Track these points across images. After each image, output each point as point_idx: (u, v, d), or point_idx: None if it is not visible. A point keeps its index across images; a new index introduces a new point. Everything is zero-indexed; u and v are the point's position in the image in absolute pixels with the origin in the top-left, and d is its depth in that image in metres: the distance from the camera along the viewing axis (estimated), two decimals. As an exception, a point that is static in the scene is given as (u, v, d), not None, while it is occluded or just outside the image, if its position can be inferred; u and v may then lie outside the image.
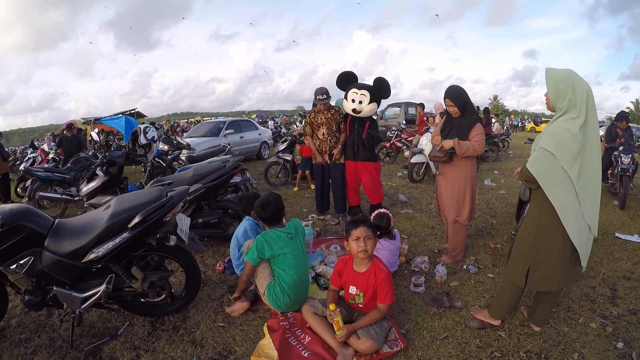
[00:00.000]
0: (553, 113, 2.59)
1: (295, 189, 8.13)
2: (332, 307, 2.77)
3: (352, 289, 2.94)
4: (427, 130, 10.08)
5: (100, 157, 6.74)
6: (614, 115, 8.51)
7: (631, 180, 6.93)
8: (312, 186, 7.93)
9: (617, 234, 5.12)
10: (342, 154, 5.62)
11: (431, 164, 3.89)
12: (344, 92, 5.48)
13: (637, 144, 8.34)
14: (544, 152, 2.45)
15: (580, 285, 3.70)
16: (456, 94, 3.88)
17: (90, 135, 10.78)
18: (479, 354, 2.76)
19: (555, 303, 3.02)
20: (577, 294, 3.56)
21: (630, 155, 6.94)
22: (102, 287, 2.78)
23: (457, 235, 4.17)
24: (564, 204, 2.48)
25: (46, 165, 8.98)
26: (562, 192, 2.46)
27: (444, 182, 4.09)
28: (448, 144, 3.84)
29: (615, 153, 7.20)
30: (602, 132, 12.79)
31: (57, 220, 2.88)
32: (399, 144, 11.85)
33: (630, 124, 8.21)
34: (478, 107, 11.13)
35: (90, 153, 9.76)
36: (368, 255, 2.86)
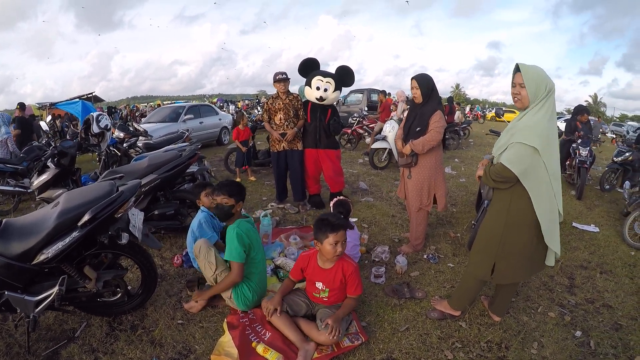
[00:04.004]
0: (515, 105, 2.60)
1: (252, 178, 8.06)
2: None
3: (319, 284, 2.92)
4: (390, 118, 10.10)
5: (51, 147, 6.44)
6: (572, 108, 8.76)
7: (588, 172, 7.18)
8: (252, 178, 8.06)
9: (574, 224, 5.28)
10: (299, 139, 5.60)
11: (405, 170, 3.98)
12: (306, 79, 5.44)
13: (596, 138, 8.64)
14: (524, 147, 2.40)
15: (539, 274, 3.79)
16: (423, 78, 3.90)
17: (40, 126, 10.35)
18: (440, 345, 2.79)
19: (514, 293, 3.08)
20: (536, 283, 3.65)
21: (588, 148, 7.20)
22: (55, 289, 2.64)
23: (419, 224, 4.21)
24: (542, 198, 2.49)
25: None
26: (540, 186, 2.47)
27: (412, 173, 4.10)
28: (407, 149, 3.92)
29: (574, 145, 7.46)
30: (561, 124, 13.15)
31: (4, 221, 2.71)
32: (361, 131, 11.86)
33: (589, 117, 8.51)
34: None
35: (44, 141, 9.33)
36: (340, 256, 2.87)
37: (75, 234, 2.59)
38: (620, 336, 2.92)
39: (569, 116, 9.80)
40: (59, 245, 2.56)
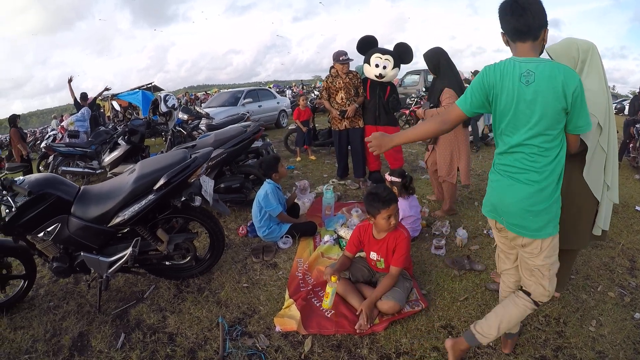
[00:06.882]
0: None
1: (312, 157, 8.14)
2: (333, 278, 2.75)
3: (373, 255, 2.97)
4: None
5: (120, 128, 6.78)
6: (638, 90, 8.28)
7: None
8: (312, 157, 8.12)
9: (637, 208, 5.03)
10: (360, 117, 5.61)
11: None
12: (364, 57, 5.43)
13: None
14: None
15: (600, 255, 3.67)
16: (427, 55, 4.17)
17: (112, 105, 10.81)
18: (499, 316, 2.78)
19: (571, 268, 3.00)
20: (596, 263, 3.53)
21: None
22: (129, 251, 2.84)
23: (447, 191, 4.49)
24: (592, 163, 2.39)
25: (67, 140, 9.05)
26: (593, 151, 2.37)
27: (436, 147, 4.39)
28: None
29: (638, 126, 6.98)
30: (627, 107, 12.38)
31: (82, 187, 2.93)
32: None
33: None
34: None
35: (110, 126, 9.79)
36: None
37: (150, 197, 2.76)
38: (681, 323, 2.79)
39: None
40: (135, 207, 2.74)
